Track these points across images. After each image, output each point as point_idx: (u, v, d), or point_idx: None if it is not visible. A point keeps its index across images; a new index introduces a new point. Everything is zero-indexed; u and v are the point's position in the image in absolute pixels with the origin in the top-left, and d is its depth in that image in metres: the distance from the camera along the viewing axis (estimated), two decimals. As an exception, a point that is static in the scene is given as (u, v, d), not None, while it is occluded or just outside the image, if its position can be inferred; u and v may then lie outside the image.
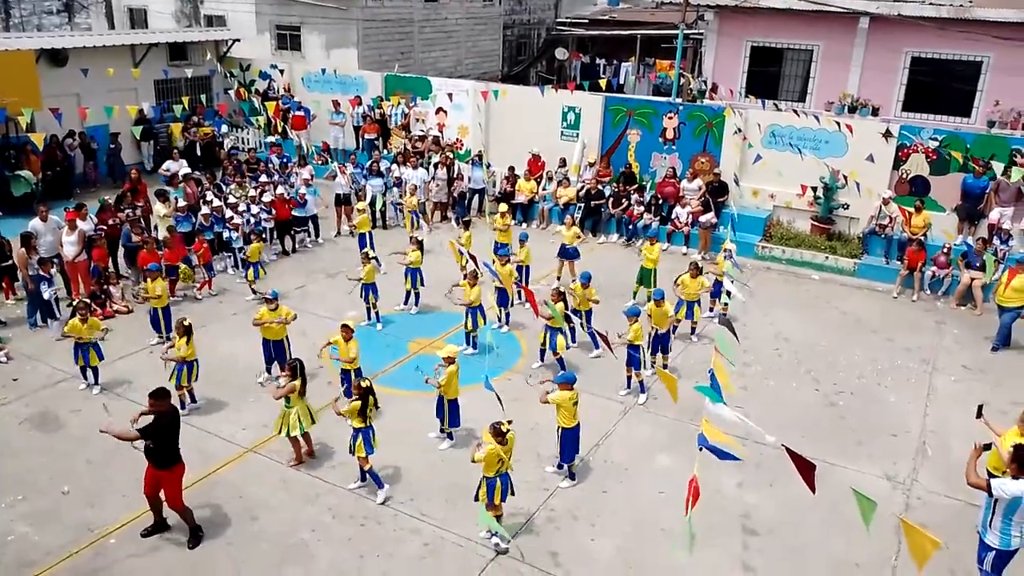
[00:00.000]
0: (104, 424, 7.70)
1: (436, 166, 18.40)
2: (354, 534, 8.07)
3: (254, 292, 13.56)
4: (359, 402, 8.28)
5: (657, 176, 17.95)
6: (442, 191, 18.36)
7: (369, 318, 12.63)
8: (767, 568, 7.80)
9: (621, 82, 30.94)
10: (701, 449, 7.15)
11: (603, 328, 10.00)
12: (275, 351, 10.74)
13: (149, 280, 11.74)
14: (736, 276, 11.15)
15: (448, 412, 9.44)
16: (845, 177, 15.77)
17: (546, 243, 14.94)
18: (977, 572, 7.13)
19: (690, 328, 12.53)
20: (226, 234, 14.74)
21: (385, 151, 20.20)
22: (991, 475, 7.44)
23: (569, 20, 35.89)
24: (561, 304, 10.83)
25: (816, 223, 16.56)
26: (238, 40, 23.74)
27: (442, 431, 9.64)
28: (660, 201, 17.29)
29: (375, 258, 12.65)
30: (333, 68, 22.53)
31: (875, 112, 18.98)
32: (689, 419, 9.87)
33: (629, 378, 10.85)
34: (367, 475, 8.58)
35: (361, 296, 12.58)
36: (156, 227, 14.75)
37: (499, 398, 8.19)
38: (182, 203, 15.28)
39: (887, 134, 15.86)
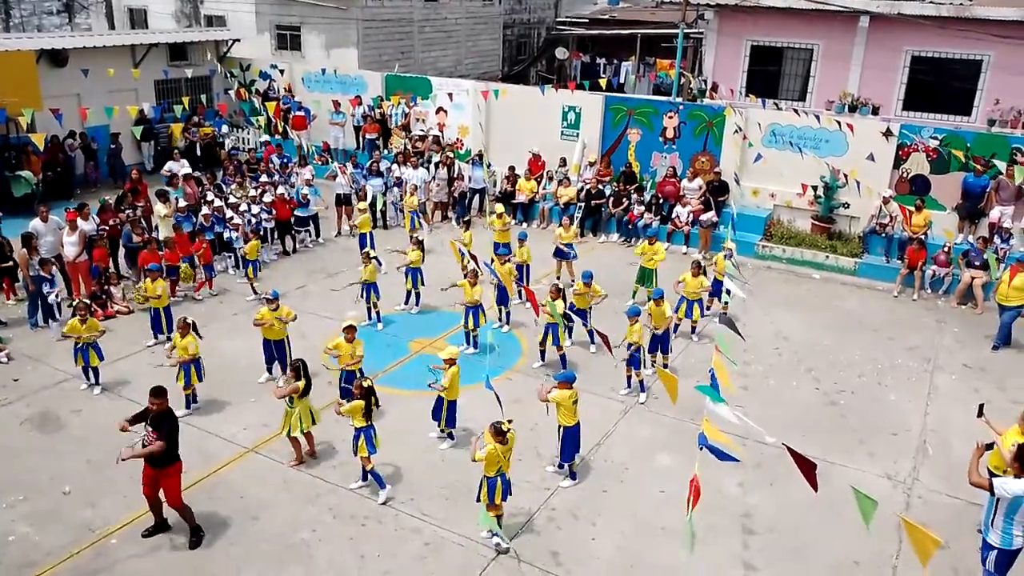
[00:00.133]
0: (125, 453, 7.44)
1: (436, 166, 18.40)
2: (355, 534, 8.07)
3: (255, 292, 13.57)
4: (361, 401, 8.28)
5: (657, 175, 17.95)
6: (442, 191, 18.36)
7: (370, 318, 12.63)
8: (768, 567, 7.80)
9: (621, 81, 30.94)
10: (701, 448, 7.15)
11: (603, 328, 9.98)
12: (276, 351, 10.75)
13: (149, 280, 11.74)
14: (735, 275, 11.14)
15: (446, 413, 9.44)
16: (845, 176, 15.77)
17: (546, 243, 14.94)
18: (980, 572, 7.12)
19: (691, 327, 12.54)
20: (227, 234, 14.75)
21: (385, 151, 20.21)
22: (992, 474, 7.44)
23: (569, 19, 35.91)
24: (560, 302, 10.84)
25: (817, 222, 16.56)
26: (238, 40, 23.75)
27: (442, 432, 9.64)
28: (660, 200, 17.29)
29: (376, 258, 12.66)
30: (333, 68, 22.53)
31: (875, 111, 18.98)
32: (689, 418, 9.87)
33: (629, 377, 10.85)
34: (369, 475, 8.58)
35: (362, 296, 12.59)
36: (157, 227, 14.76)
37: (499, 398, 8.19)
38: (182, 203, 15.30)
39: (887, 133, 15.86)
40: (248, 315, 12.13)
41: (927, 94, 19.18)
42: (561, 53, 32.51)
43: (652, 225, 16.53)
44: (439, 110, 20.74)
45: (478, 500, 7.72)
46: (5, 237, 13.26)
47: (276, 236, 15.91)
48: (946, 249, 14.74)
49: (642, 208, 17.04)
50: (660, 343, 11.08)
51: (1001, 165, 14.88)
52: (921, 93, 19.24)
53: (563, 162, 18.24)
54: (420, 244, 13.17)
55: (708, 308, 12.94)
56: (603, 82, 20.64)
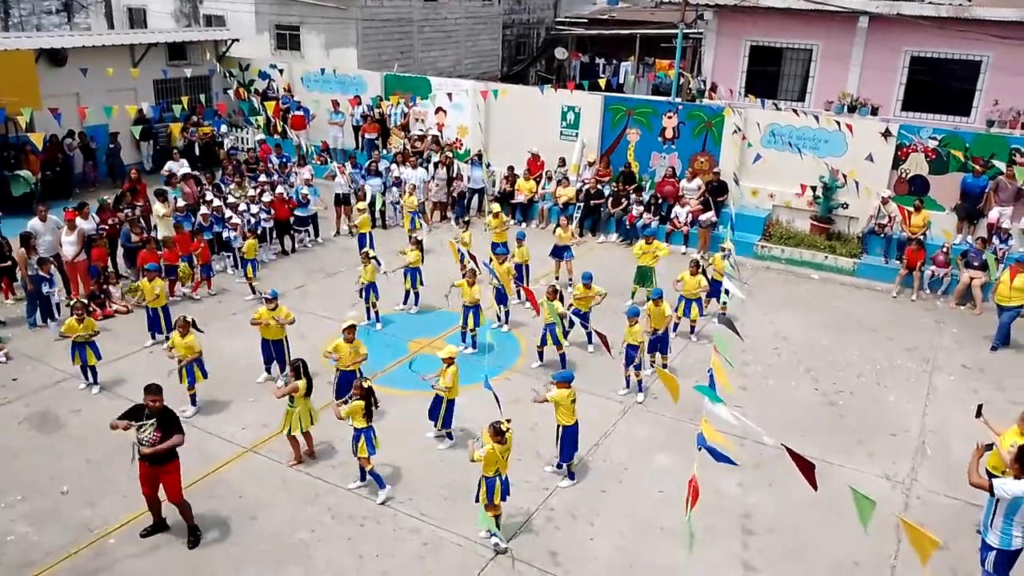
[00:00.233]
0: (147, 449, 7.41)
1: (436, 166, 18.40)
2: (354, 534, 8.07)
3: (253, 291, 13.56)
4: (361, 402, 8.27)
5: (656, 175, 17.95)
6: (442, 191, 18.36)
7: (369, 318, 12.63)
8: (767, 567, 7.80)
9: (620, 81, 30.94)
10: (700, 449, 7.15)
11: (603, 328, 9.98)
12: (274, 351, 10.74)
13: (147, 280, 11.73)
14: (734, 275, 11.16)
15: (444, 412, 9.43)
16: (844, 176, 15.77)
17: (546, 243, 14.94)
18: (979, 572, 7.13)
19: (690, 327, 12.54)
20: (226, 234, 14.74)
21: (384, 151, 20.20)
22: (991, 475, 7.44)
23: (568, 19, 35.92)
24: (557, 302, 10.83)
25: (815, 222, 16.56)
26: (237, 40, 23.74)
27: (439, 432, 9.63)
28: (659, 200, 17.29)
29: (375, 258, 12.66)
30: (332, 68, 22.53)
31: (874, 111, 18.99)
32: (688, 419, 9.87)
33: (628, 378, 10.85)
34: (369, 475, 8.58)
35: (361, 296, 12.59)
36: (155, 227, 14.76)
37: (498, 399, 8.18)
38: (181, 203, 15.29)
39: (886, 133, 15.87)
40: (247, 315, 12.09)
41: (926, 95, 19.19)
42: (560, 53, 32.52)
43: (651, 225, 16.54)
44: (438, 110, 20.74)
45: (477, 500, 7.71)
46: (4, 236, 13.24)
47: (275, 236, 15.91)
48: (945, 250, 14.75)
49: (641, 208, 17.04)
50: (659, 343, 11.08)
51: (1001, 165, 14.90)
52: (920, 94, 19.26)
53: (562, 162, 18.24)
54: (419, 244, 13.16)
55: (704, 309, 12.93)
56: (602, 82, 20.65)
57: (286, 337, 10.75)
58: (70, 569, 7.50)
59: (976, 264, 13.98)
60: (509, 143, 19.24)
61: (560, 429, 8.77)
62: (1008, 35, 17.78)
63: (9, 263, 13.00)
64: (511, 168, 18.52)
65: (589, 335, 11.58)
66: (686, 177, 17.22)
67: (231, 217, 14.84)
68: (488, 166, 19.07)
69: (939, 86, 19.03)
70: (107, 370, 10.93)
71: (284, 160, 18.71)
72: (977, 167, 15.18)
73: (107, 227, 14.09)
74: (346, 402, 8.41)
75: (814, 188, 16.35)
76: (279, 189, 16.41)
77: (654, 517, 8.42)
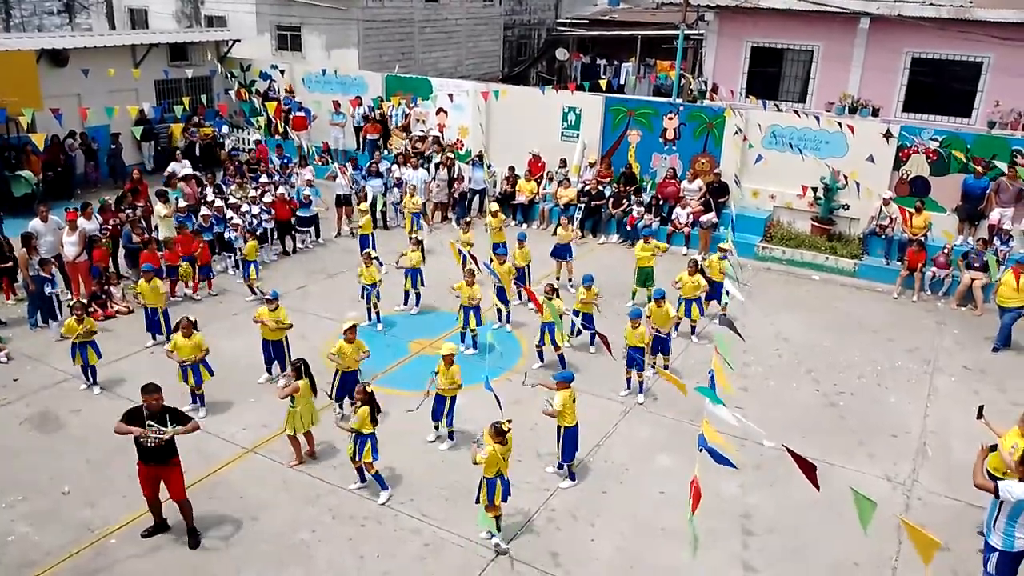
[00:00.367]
0: (171, 430, 7.45)
1: (437, 167, 18.41)
2: (354, 534, 8.07)
3: (253, 292, 13.56)
4: (367, 407, 8.26)
5: (657, 177, 17.96)
6: (443, 192, 18.37)
7: (370, 318, 12.63)
8: (767, 568, 7.80)
9: (621, 82, 30.95)
10: (701, 450, 7.15)
11: (603, 328, 10.00)
12: (274, 351, 10.75)
13: (144, 281, 11.72)
14: (734, 275, 11.14)
15: (448, 409, 9.43)
16: (845, 177, 15.77)
17: (547, 243, 14.94)
18: (980, 573, 7.12)
19: (690, 327, 12.54)
20: (227, 234, 14.75)
21: (385, 151, 20.21)
22: (992, 476, 7.43)
23: (569, 20, 35.90)
24: (557, 299, 10.83)
25: (816, 224, 16.56)
26: (238, 40, 23.76)
27: (438, 433, 9.63)
28: (660, 202, 17.29)
29: (377, 258, 12.66)
30: (334, 69, 22.54)
31: (875, 113, 18.99)
32: (689, 419, 9.87)
33: (629, 379, 10.84)
34: (373, 478, 8.56)
35: (362, 297, 12.58)
36: (156, 227, 14.77)
37: (498, 399, 8.18)
38: (182, 203, 15.30)
39: (887, 135, 15.86)
40: (248, 315, 12.12)
41: (927, 96, 19.19)
42: (561, 54, 32.53)
43: (651, 226, 16.54)
44: (439, 111, 20.75)
45: (477, 501, 7.71)
46: (5, 237, 13.27)
47: (276, 236, 15.91)
48: (946, 251, 14.75)
49: (641, 210, 17.04)
50: (661, 344, 11.07)
51: (1002, 166, 14.90)
52: (921, 95, 19.26)
53: (563, 163, 18.25)
54: (420, 244, 13.17)
55: (704, 311, 12.93)
56: (603, 83, 20.64)
57: (286, 338, 10.75)
58: (71, 569, 7.50)
59: (977, 265, 13.97)
60: (510, 144, 19.24)
61: (560, 430, 8.77)
62: (1009, 36, 17.78)
63: (10, 264, 13.01)
64: (512, 169, 18.53)
65: (592, 336, 11.58)
66: (687, 178, 17.22)
67: (232, 217, 14.85)
68: (489, 167, 19.08)
69: (940, 87, 19.03)
70: (108, 370, 10.94)
71: (285, 161, 18.72)
72: (978, 168, 15.17)
73: (110, 227, 14.10)
74: (344, 418, 8.36)
75: (815, 189, 16.35)
76: (280, 190, 16.42)
77: (655, 518, 8.42)
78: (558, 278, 14.36)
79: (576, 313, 11.44)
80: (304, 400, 8.81)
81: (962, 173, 15.41)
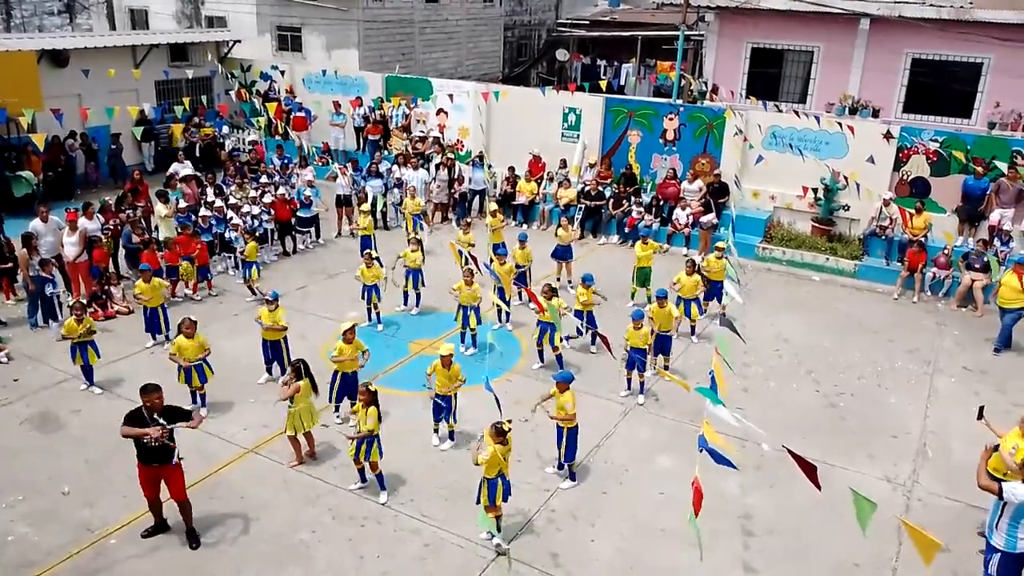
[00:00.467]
0: (196, 421, 7.81)
1: (437, 167, 18.41)
2: (354, 535, 8.07)
3: (253, 293, 13.56)
4: (375, 408, 8.25)
5: (658, 177, 17.95)
6: (443, 192, 18.37)
7: (370, 319, 12.63)
8: (768, 569, 7.79)
9: (622, 83, 30.94)
10: (701, 451, 7.15)
11: (603, 329, 9.99)
12: (272, 351, 10.75)
13: (142, 281, 11.71)
14: (734, 275, 11.13)
15: (450, 409, 9.42)
16: (846, 178, 15.77)
17: (547, 244, 14.94)
18: (980, 574, 7.11)
19: (690, 327, 12.54)
20: (227, 235, 14.75)
21: (386, 152, 20.22)
22: (992, 476, 7.43)
23: (570, 21, 35.89)
24: (557, 299, 10.82)
25: (817, 224, 16.55)
26: (239, 41, 23.77)
27: (441, 435, 9.62)
28: (661, 202, 17.29)
29: (378, 259, 12.66)
30: (334, 69, 22.55)
31: (876, 113, 18.99)
32: (689, 420, 9.87)
33: (629, 380, 10.84)
34: (376, 478, 8.56)
35: (363, 297, 12.59)
36: (156, 228, 14.77)
37: (498, 400, 8.17)
38: (182, 204, 15.30)
39: (888, 135, 15.86)
40: (248, 315, 12.15)
41: (927, 97, 19.20)
42: (562, 55, 32.53)
43: (651, 227, 16.53)
44: (440, 111, 20.75)
45: (478, 502, 7.71)
46: (6, 237, 13.27)
47: (276, 237, 15.91)
48: (946, 251, 14.74)
49: (641, 210, 17.04)
50: (661, 345, 11.07)
51: (1002, 167, 14.90)
52: (921, 96, 19.27)
53: (563, 164, 18.25)
54: (420, 244, 13.16)
55: (704, 311, 12.93)
56: (603, 84, 20.65)
57: (285, 338, 10.75)
58: (70, 569, 7.50)
59: (977, 266, 13.97)
60: (510, 144, 19.24)
61: (560, 430, 8.76)
62: (1009, 37, 17.79)
63: (11, 264, 13.01)
64: (512, 169, 18.54)
65: (593, 337, 11.57)
66: (687, 179, 17.22)
67: (232, 218, 14.85)
68: (489, 167, 19.08)
69: (940, 88, 19.04)
70: (108, 370, 10.94)
71: (285, 161, 18.72)
72: (978, 169, 15.17)
73: (111, 227, 14.10)
74: (346, 421, 8.34)
75: (815, 190, 16.35)
76: (280, 190, 16.42)
77: (655, 519, 8.41)
78: (558, 279, 14.36)
79: (578, 314, 11.45)
80: (304, 400, 8.81)
81: (962, 174, 15.41)
